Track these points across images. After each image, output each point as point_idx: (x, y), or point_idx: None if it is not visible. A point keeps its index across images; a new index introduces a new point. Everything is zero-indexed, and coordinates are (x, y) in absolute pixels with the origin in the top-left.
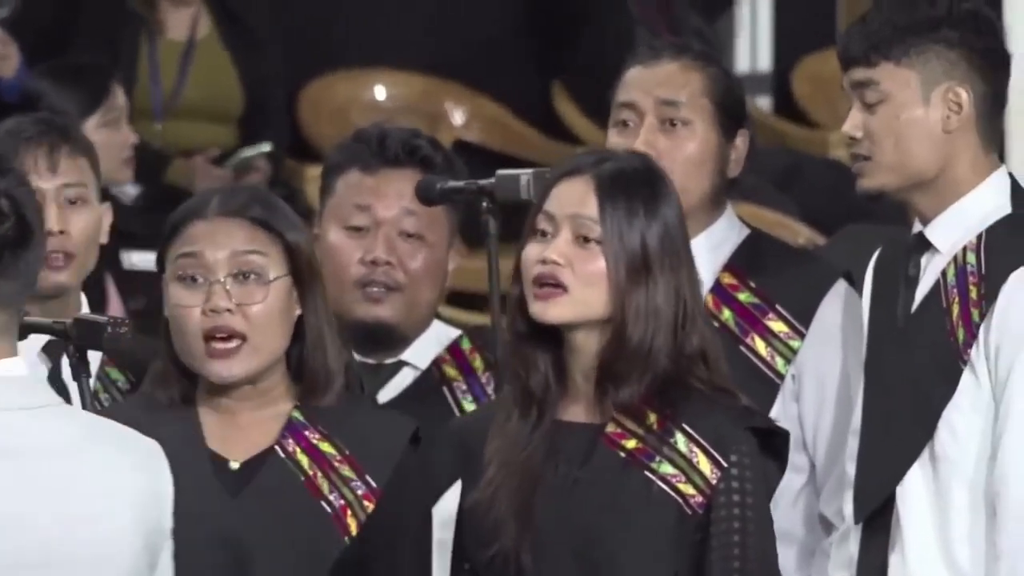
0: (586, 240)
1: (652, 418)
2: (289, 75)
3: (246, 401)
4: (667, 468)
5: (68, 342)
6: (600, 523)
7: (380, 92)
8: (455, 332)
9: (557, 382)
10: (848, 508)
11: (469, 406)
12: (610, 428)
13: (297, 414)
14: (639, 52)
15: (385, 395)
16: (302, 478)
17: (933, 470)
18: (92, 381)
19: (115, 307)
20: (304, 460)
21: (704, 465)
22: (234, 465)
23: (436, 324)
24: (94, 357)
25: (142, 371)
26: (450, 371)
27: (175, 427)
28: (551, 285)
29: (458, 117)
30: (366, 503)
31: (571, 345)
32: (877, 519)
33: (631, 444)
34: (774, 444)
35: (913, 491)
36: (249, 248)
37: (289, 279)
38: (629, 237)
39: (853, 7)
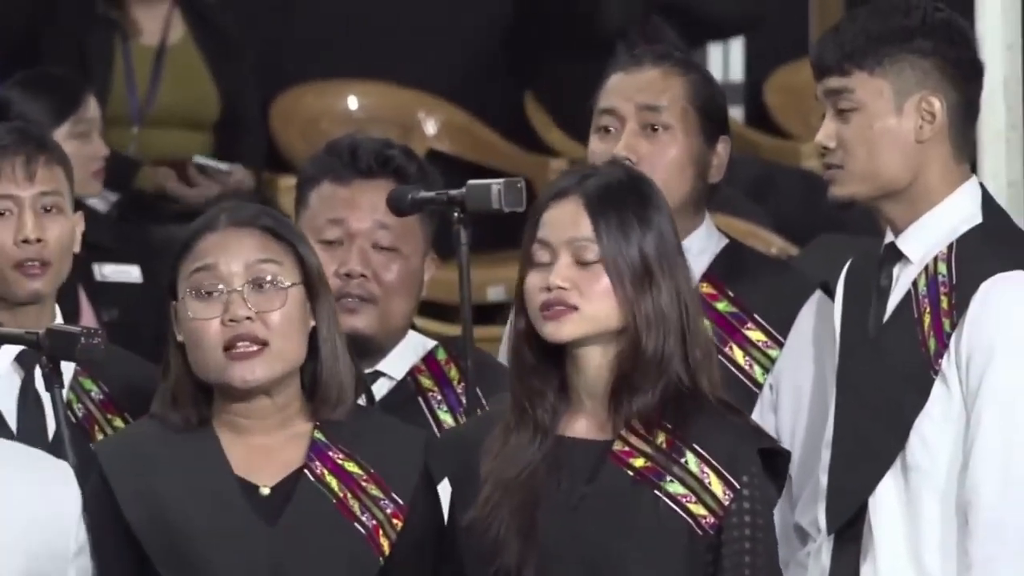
0: (586, 262)
1: (661, 437)
2: (260, 86)
3: (265, 419)
4: (677, 488)
5: (41, 352)
6: (609, 541)
7: (352, 102)
8: (431, 343)
9: (560, 400)
10: (823, 518)
11: (444, 416)
12: (617, 446)
13: (319, 435)
14: (620, 59)
15: None
16: (334, 501)
17: (904, 480)
18: (65, 391)
19: (88, 319)
20: (333, 482)
21: (716, 486)
22: (265, 491)
23: (411, 335)
24: (67, 367)
25: (115, 382)
26: (425, 381)
27: (195, 452)
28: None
29: (430, 127)
30: (395, 521)
31: (578, 363)
32: (849, 529)
33: (639, 463)
34: (774, 463)
35: (885, 501)
36: (263, 256)
37: (303, 288)
38: (628, 251)
39: (825, 19)
